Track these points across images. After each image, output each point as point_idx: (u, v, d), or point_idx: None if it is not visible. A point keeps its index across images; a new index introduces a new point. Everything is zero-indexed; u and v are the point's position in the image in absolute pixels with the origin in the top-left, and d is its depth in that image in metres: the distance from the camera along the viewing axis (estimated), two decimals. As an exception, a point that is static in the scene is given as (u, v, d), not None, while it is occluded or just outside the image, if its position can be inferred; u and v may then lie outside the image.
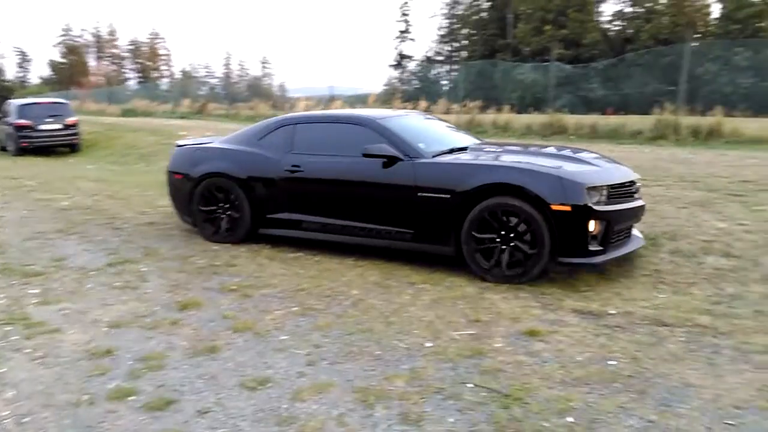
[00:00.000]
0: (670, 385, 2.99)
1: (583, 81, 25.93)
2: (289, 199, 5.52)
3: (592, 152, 5.58)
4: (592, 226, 4.34)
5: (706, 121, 12.19)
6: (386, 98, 19.87)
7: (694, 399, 2.85)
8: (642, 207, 4.93)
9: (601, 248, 4.42)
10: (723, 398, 2.85)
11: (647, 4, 40.92)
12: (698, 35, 37.50)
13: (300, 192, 5.48)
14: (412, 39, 65.85)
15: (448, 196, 4.68)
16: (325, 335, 3.69)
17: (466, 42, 52.62)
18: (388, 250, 5.15)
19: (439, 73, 48.45)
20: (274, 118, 6.17)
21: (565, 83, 25.36)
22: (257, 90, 52.28)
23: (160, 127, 18.06)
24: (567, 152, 5.47)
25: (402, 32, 54.33)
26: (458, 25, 53.54)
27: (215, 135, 7.65)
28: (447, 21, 54.31)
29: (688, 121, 12.29)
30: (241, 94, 49.04)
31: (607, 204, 4.44)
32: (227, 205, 5.81)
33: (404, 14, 55.07)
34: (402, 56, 53.97)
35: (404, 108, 18.71)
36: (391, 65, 52.88)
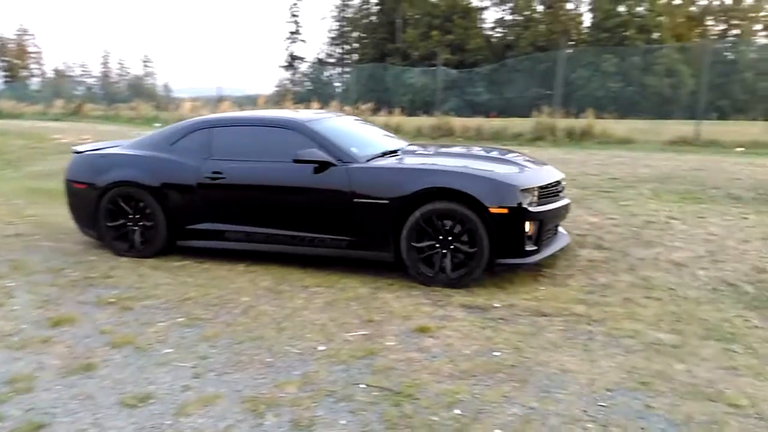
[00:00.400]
0: (549, 373, 3.16)
1: (468, 85, 27.00)
2: (209, 208, 5.17)
3: (518, 153, 5.70)
4: (527, 226, 4.43)
5: (579, 123, 13.11)
6: (277, 100, 19.56)
7: (572, 384, 3.03)
8: (568, 205, 5.07)
9: (535, 248, 4.53)
10: (597, 382, 3.05)
11: (525, 13, 43.32)
12: (572, 43, 40.23)
13: (222, 200, 5.14)
14: (303, 40, 65.45)
15: (386, 201, 4.58)
16: (213, 345, 3.55)
17: (356, 45, 53.10)
18: (283, 255, 5.05)
19: (331, 75, 48.50)
20: (187, 121, 5.74)
21: (452, 87, 26.28)
22: (139, 90, 49.63)
23: (29, 130, 16.62)
24: (495, 154, 5.55)
25: (292, 33, 53.86)
26: (348, 28, 53.91)
27: (113, 140, 6.87)
28: (337, 23, 54.52)
29: (563, 123, 13.15)
30: (121, 94, 46.36)
31: (538, 204, 4.54)
32: (138, 217, 5.35)
33: (294, 15, 54.69)
34: (293, 57, 53.49)
35: (296, 109, 18.53)
36: (282, 66, 52.20)
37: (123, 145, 5.92)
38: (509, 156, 5.34)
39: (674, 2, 36.83)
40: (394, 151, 5.34)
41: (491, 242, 4.40)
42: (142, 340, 3.64)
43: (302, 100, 23.19)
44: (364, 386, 3.03)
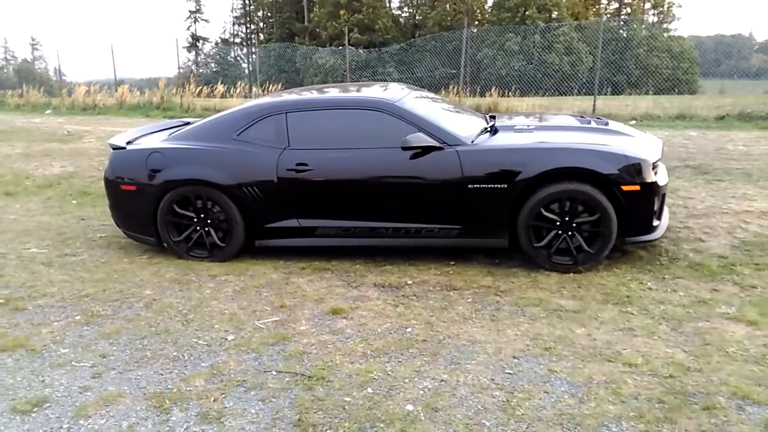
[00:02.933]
0: (459, 345, 3.23)
1: (379, 65, 27.06)
2: (295, 203, 4.60)
3: (607, 120, 5.45)
4: (656, 202, 4.29)
5: (485, 101, 13.43)
6: (180, 82, 18.73)
7: (480, 354, 3.11)
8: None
9: (659, 222, 4.40)
10: (504, 350, 3.15)
11: (431, -8, 43.70)
12: (476, 22, 41.11)
13: (312, 194, 4.56)
14: (205, 20, 62.90)
15: (505, 185, 4.21)
16: (114, 343, 3.36)
17: (263, 24, 51.73)
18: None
19: (238, 56, 47.06)
20: (249, 106, 4.98)
21: (363, 67, 26.24)
22: (28, 75, 46.08)
23: None
24: (595, 123, 5.18)
25: (193, 12, 51.64)
26: (253, 7, 52.36)
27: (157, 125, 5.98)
28: (241, 2, 52.79)
29: (470, 101, 13.43)
30: (8, 80, 42.84)
31: (658, 177, 4.31)
32: (207, 218, 4.73)
33: (195, -6, 52.36)
34: (196, 38, 51.37)
35: (199, 92, 17.83)
36: (184, 47, 50.00)
37: (169, 137, 5.07)
38: (612, 125, 5.06)
39: (571, -18, 38.30)
40: (490, 128, 4.89)
41: (620, 221, 4.20)
42: (36, 341, 3.39)
43: (207, 82, 22.36)
44: (275, 373, 2.97)
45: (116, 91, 18.39)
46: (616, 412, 2.56)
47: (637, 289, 3.99)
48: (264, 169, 4.58)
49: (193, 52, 50.30)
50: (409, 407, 2.65)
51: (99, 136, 11.38)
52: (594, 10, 41.37)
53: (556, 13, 37.65)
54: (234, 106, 5.58)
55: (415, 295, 3.97)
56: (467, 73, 15.53)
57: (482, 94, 14.77)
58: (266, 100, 5.04)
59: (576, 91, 24.27)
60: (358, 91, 5.25)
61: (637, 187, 4.14)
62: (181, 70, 21.58)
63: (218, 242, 4.74)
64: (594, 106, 12.80)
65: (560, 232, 4.26)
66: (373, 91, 5.04)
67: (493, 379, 2.85)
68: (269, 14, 50.36)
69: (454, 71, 18.41)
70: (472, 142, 4.44)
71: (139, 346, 3.32)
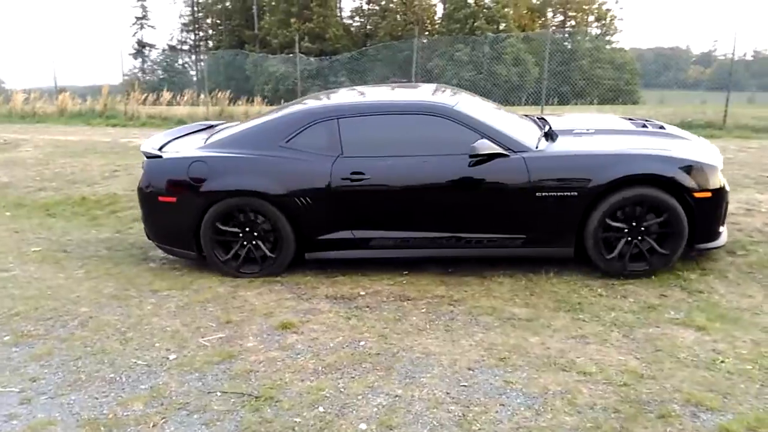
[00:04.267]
0: (413, 357, 3.15)
1: (330, 74, 26.93)
2: (349, 213, 4.36)
3: (661, 123, 5.36)
4: (723, 208, 4.27)
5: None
6: (125, 90, 18.15)
7: (435, 367, 3.04)
8: None
9: (723, 228, 4.37)
10: (459, 362, 3.08)
11: (382, 2, 43.97)
12: (426, 33, 41.56)
13: (368, 204, 4.34)
14: (152, 26, 61.53)
15: (575, 193, 4.09)
16: (45, 365, 3.14)
17: (212, 31, 50.93)
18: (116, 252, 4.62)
19: (185, 63, 46.14)
20: (295, 111, 4.71)
21: (315, 75, 26.08)
22: (-39, 82, 43.85)
23: None
24: (652, 127, 5.05)
25: (139, 18, 50.40)
26: (201, 14, 51.51)
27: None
28: (189, 9, 51.86)
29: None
30: (-62, 86, 40.63)
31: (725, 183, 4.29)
32: (255, 232, 4.44)
33: (140, -1, 51.11)
34: (142, 45, 50.11)
35: (145, 99, 17.34)
36: (130, 54, 48.66)
37: (207, 145, 4.71)
38: (668, 129, 5.03)
39: (518, -6, 39.17)
40: (548, 133, 4.73)
41: (690, 228, 4.12)
42: (-44, 367, 3.13)
43: (154, 89, 21.75)
44: (220, 394, 2.82)
45: (57, 98, 17.65)
46: (573, 423, 2.52)
47: (587, 295, 4.00)
48: (317, 178, 4.33)
49: (140, 59, 49.04)
50: (363, 426, 2.54)
51: (37, 144, 10.87)
52: (540, 22, 42.44)
53: (503, 24, 38.42)
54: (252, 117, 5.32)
55: (368, 307, 3.87)
56: (418, 83, 15.58)
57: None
58: (314, 104, 4.82)
59: (524, 101, 24.76)
60: (407, 93, 5.07)
61: (709, 194, 4.12)
62: (126, 78, 20.95)
63: (268, 253, 4.46)
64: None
65: (630, 238, 4.18)
66: (424, 94, 4.84)
67: (448, 393, 2.78)
68: (218, 21, 49.64)
69: (405, 80, 18.48)
70: (536, 147, 4.30)
71: (72, 368, 3.10)
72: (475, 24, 37.26)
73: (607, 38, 40.58)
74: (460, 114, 4.33)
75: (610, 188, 4.06)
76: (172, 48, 50.51)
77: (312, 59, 24.96)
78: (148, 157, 4.61)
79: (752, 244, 4.65)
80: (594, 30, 40.03)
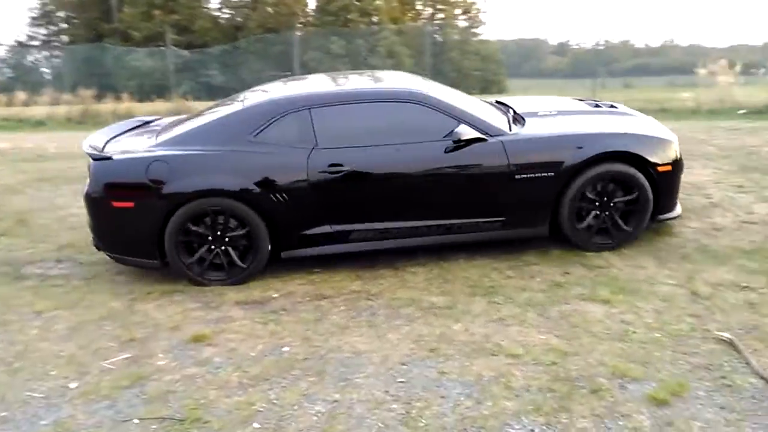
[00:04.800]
0: (343, 358, 3.04)
1: (201, 67, 25.73)
2: (330, 207, 4.18)
3: (611, 102, 5.65)
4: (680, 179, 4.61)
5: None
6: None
7: (368, 365, 2.95)
8: None
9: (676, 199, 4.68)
10: (391, 358, 3.02)
11: (252, -6, 42.72)
12: (299, 25, 41.02)
13: (346, 197, 4.19)
14: (-7, 20, 55.49)
15: (552, 173, 4.21)
16: None
17: (65, 25, 46.81)
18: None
19: (37, 60, 42.06)
20: (261, 103, 4.39)
21: (184, 69, 24.78)
22: None
23: None
24: (606, 107, 5.35)
25: (-23, 11, 45.14)
26: (53, 7, 47.20)
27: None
28: (39, 2, 47.30)
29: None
30: None
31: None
32: (225, 237, 4.09)
33: (-23, -11, 45.82)
34: (-18, 40, 44.95)
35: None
36: (-32, 51, 43.44)
37: (163, 142, 4.28)
38: (621, 108, 5.33)
39: (388, -14, 39.68)
40: (516, 117, 4.78)
41: (655, 200, 4.39)
42: None
43: (4, 89, 19.61)
44: (137, 421, 2.54)
45: None
46: (514, 408, 2.55)
47: (498, 278, 4.09)
48: (292, 172, 4.11)
49: (-21, 56, 44.00)
50: (304, 437, 2.40)
51: None
52: (410, 15, 43.42)
53: (376, 17, 38.86)
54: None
55: (284, 310, 3.69)
56: (296, 76, 15.35)
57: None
58: (283, 94, 4.53)
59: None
60: (376, 80, 4.96)
61: (670, 168, 4.42)
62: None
63: (238, 262, 4.15)
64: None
65: (599, 212, 4.39)
66: (395, 81, 4.80)
67: (387, 391, 2.70)
68: (72, 15, 45.71)
69: (281, 74, 18.15)
70: (511, 131, 4.38)
71: (-51, 413, 2.66)
72: (349, 17, 37.37)
73: (473, 30, 42.43)
74: (435, 100, 4.32)
75: (585, 166, 4.26)
76: (20, 44, 45.83)
77: (185, 52, 23.70)
78: (95, 159, 4.13)
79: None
80: (461, 23, 41.60)
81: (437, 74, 27.43)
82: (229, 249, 4.13)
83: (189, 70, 24.76)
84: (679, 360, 2.91)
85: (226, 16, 44.65)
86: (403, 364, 2.95)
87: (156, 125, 5.02)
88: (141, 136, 4.72)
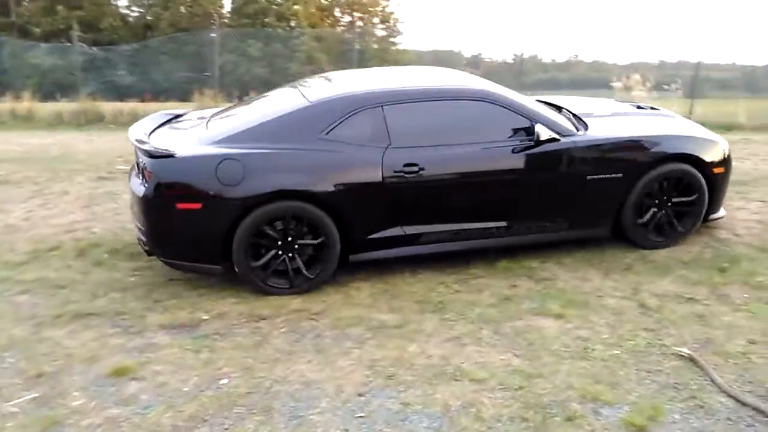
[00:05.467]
0: (292, 391, 2.72)
1: (108, 66, 24.26)
2: (403, 209, 4.04)
3: (651, 105, 5.78)
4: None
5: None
6: None
7: (321, 398, 2.65)
8: None
9: None
10: (345, 388, 2.74)
11: (164, -8, 41.04)
12: (213, 26, 39.75)
13: (420, 198, 4.05)
14: None
15: (621, 174, 4.26)
16: None
17: (-48, 17, 42.97)
18: None
19: None
20: (332, 98, 4.15)
21: (90, 68, 23.26)
22: None
23: None
24: (648, 109, 5.51)
25: None
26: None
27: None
28: None
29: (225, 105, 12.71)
30: None
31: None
32: (295, 243, 3.85)
33: None
34: None
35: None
36: None
37: (225, 139, 3.93)
38: (662, 111, 5.51)
39: (306, -8, 39.37)
40: (579, 117, 4.73)
41: (709, 200, 4.52)
42: None
43: None
44: (51, 481, 2.11)
45: None
46: (489, 441, 2.34)
47: (446, 293, 3.91)
48: (368, 172, 3.93)
49: None
50: (255, 489, 2.07)
51: None
52: (329, 21, 43.20)
53: (294, 22, 38.35)
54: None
55: (218, 334, 3.32)
56: (215, 77, 14.70)
57: (240, 98, 14.15)
58: (352, 90, 4.25)
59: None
60: (443, 78, 4.79)
61: (722, 169, 4.59)
62: None
63: (304, 271, 3.89)
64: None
65: (656, 210, 4.46)
66: (461, 79, 4.71)
67: (347, 430, 2.41)
68: (-40, 5, 42.02)
69: (195, 75, 17.40)
70: (578, 131, 4.37)
71: None
72: (266, 20, 36.64)
73: (392, 40, 42.78)
74: (507, 99, 4.28)
75: (653, 167, 4.35)
76: None
77: (95, 49, 22.22)
78: (154, 157, 3.74)
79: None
80: (380, 32, 41.87)
81: (358, 81, 27.37)
82: (296, 256, 3.89)
83: (95, 69, 23.27)
84: (645, 379, 2.82)
85: (136, 14, 42.62)
86: (361, 395, 2.68)
87: (191, 119, 4.77)
88: (182, 131, 4.42)
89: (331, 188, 3.87)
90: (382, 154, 3.97)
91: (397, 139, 4.03)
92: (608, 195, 4.37)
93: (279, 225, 3.83)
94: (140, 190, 3.81)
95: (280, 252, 3.87)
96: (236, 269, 3.84)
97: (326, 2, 42.65)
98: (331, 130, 3.97)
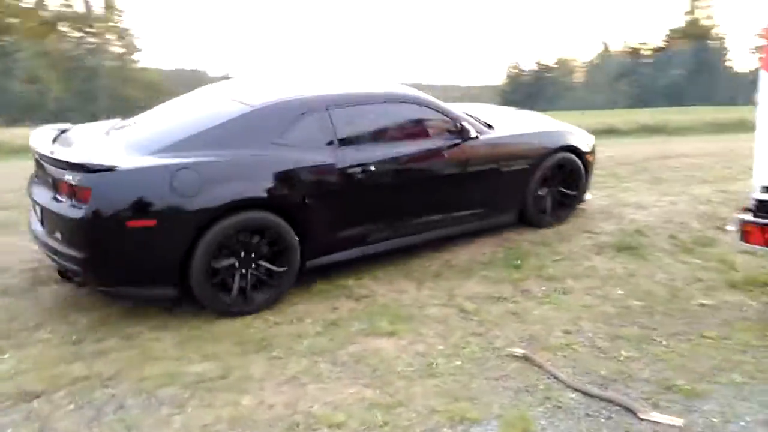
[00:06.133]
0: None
1: None
2: (355, 209, 4.08)
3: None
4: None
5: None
6: None
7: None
8: None
9: None
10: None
11: None
12: None
13: (369, 198, 4.12)
14: None
15: (527, 165, 4.80)
16: None
17: None
18: None
19: None
20: (280, 102, 4.02)
21: None
22: None
23: None
24: (524, 110, 6.30)
25: None
26: None
27: None
28: None
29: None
30: None
31: None
32: (254, 253, 3.62)
33: None
34: None
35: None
36: None
37: (170, 147, 3.60)
38: (535, 112, 6.32)
39: (26, 5, 34.69)
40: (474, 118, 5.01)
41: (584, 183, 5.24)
42: None
43: None
44: None
45: None
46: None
47: (265, 327, 3.48)
48: (322, 176, 3.95)
49: None
50: None
51: None
52: (54, 36, 38.45)
53: (13, 37, 33.28)
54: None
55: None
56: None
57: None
58: (294, 95, 4.18)
59: (45, 120, 21.90)
60: (370, 83, 4.86)
61: (592, 158, 5.33)
62: None
63: (274, 268, 3.73)
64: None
65: (550, 193, 5.09)
66: (386, 84, 4.83)
67: None
68: None
69: None
70: (491, 129, 4.79)
71: None
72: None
73: (131, 58, 39.73)
74: (434, 102, 4.58)
75: (545, 158, 4.93)
76: None
77: None
78: (91, 171, 3.31)
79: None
80: (117, 49, 38.65)
81: (88, 101, 24.63)
82: (261, 262, 3.70)
83: None
84: (498, 387, 2.76)
85: None
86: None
87: (82, 132, 4.32)
88: (87, 144, 3.94)
89: (293, 196, 3.82)
90: (334, 156, 3.98)
91: (345, 140, 4.09)
92: (518, 183, 4.89)
93: (240, 237, 3.60)
94: (72, 211, 3.30)
95: (238, 265, 3.63)
96: (194, 290, 3.52)
97: (50, 16, 37.90)
98: (285, 132, 3.91)
